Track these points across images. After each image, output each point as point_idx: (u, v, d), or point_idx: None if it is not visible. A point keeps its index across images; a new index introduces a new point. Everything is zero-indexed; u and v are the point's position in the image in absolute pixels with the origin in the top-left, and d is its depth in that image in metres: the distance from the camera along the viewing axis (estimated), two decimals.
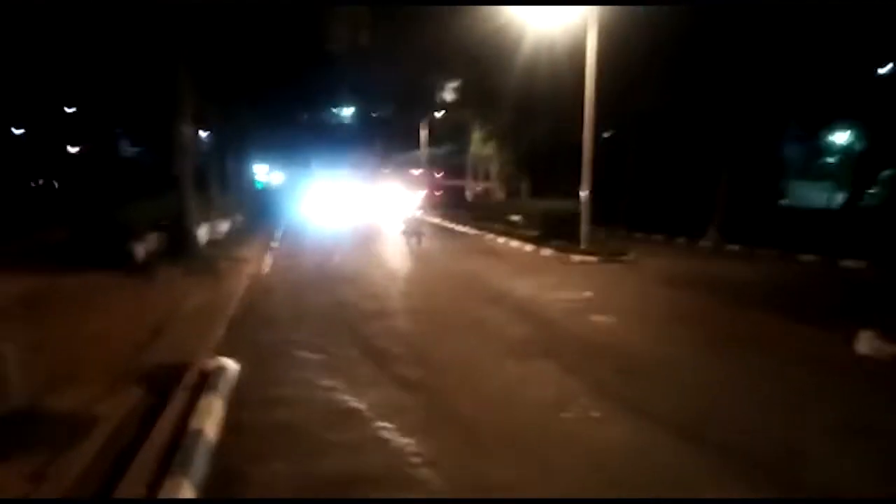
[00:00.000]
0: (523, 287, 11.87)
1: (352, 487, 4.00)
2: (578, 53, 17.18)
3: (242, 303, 9.96)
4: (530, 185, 33.19)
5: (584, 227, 17.19)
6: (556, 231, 19.20)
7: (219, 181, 20.40)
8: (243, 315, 9.08)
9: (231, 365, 6.08)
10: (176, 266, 12.26)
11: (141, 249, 12.83)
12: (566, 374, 6.44)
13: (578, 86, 16.93)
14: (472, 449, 4.60)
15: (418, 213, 21.69)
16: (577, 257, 16.27)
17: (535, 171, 33.01)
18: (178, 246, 13.57)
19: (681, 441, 4.82)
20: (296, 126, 44.12)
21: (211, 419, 4.73)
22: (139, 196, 15.13)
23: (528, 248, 18.91)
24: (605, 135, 28.94)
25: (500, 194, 35.91)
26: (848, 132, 26.04)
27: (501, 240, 21.70)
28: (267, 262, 14.61)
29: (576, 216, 17.63)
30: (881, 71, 20.34)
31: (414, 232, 19.93)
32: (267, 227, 24.72)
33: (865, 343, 7.40)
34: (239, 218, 25.54)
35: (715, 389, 6.08)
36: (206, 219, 17.97)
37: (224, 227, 20.87)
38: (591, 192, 17.06)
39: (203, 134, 19.94)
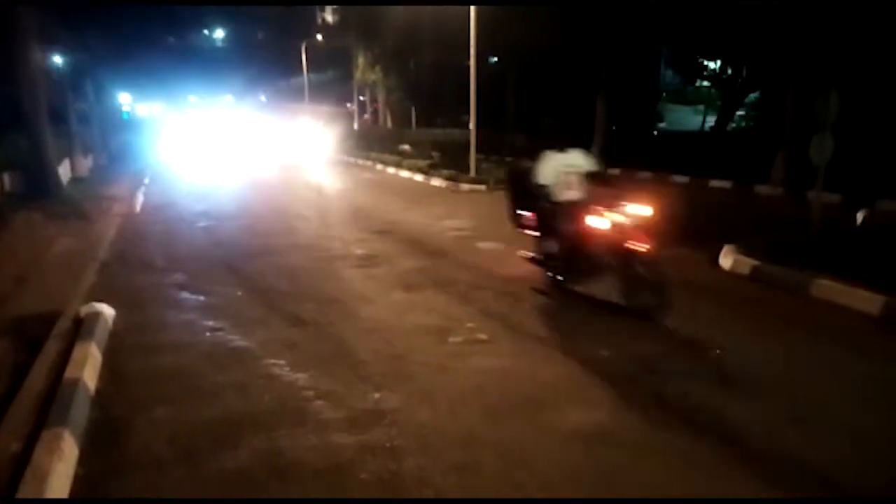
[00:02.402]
0: (413, 218, 11.92)
1: (243, 426, 3.96)
2: None
3: (114, 245, 9.40)
4: (419, 113, 32.88)
5: (473, 156, 17.34)
6: (445, 160, 19.27)
7: (78, 113, 18.74)
8: (116, 258, 8.59)
9: (106, 310, 5.77)
10: (36, 209, 11.30)
11: None
12: (454, 302, 6.60)
13: (461, 11, 16.69)
14: (363, 379, 4.66)
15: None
16: (466, 186, 16.45)
17: (424, 99, 32.67)
18: (37, 187, 12.47)
19: (553, 355, 5.14)
20: (163, 50, 40.93)
21: (88, 368, 4.50)
22: None
23: (419, 178, 18.90)
24: (491, 60, 28.95)
25: (388, 122, 35.39)
26: (718, 58, 27.44)
27: (391, 170, 21.55)
28: (139, 201, 13.77)
29: (465, 145, 17.72)
30: None
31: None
32: (137, 163, 23.19)
33: (728, 259, 8.05)
34: (104, 153, 23.79)
35: (586, 308, 6.42)
36: (67, 155, 16.58)
37: (88, 163, 19.36)
38: (478, 120, 17.13)
39: (58, 61, 18.06)
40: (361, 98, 40.39)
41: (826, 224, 8.18)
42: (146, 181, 17.41)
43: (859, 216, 7.78)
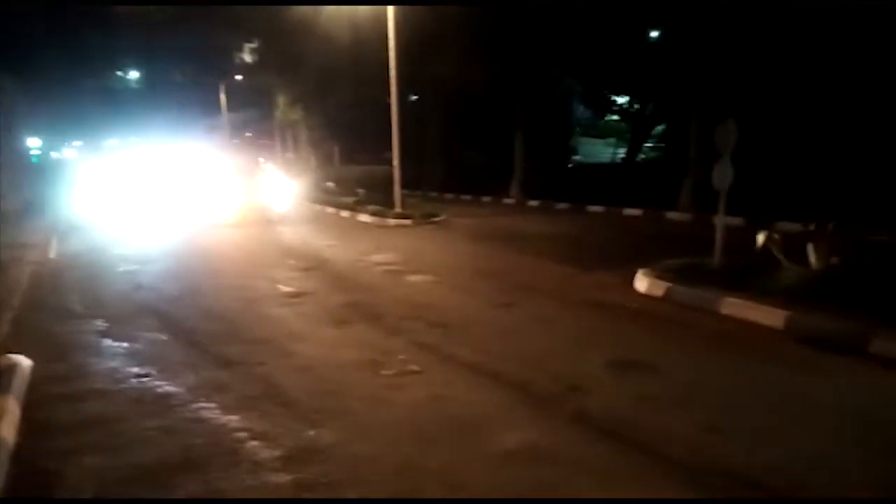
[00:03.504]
0: (341, 254, 11.96)
1: (176, 470, 3.91)
2: (379, 17, 17.24)
3: (29, 293, 8.98)
4: (341, 150, 32.97)
5: (398, 191, 17.56)
6: (370, 196, 19.41)
7: None
8: (31, 306, 8.22)
9: (23, 361, 5.55)
10: None
11: None
12: (386, 335, 6.70)
13: (380, 50, 17.04)
14: (296, 418, 4.67)
15: None
16: (392, 221, 16.62)
17: (346, 136, 32.81)
18: None
19: (483, 382, 5.33)
20: (77, 92, 39.73)
21: (6, 421, 4.33)
22: None
23: (345, 214, 18.95)
24: (412, 98, 29.49)
25: (311, 160, 35.24)
26: (626, 93, 28.92)
27: (318, 207, 21.50)
28: (54, 247, 13.22)
29: (389, 181, 17.94)
30: (653, 34, 22.67)
31: None
32: (50, 209, 22.21)
33: (642, 282, 8.49)
34: (15, 199, 22.69)
35: (514, 334, 6.71)
36: None
37: None
38: (401, 156, 17.42)
39: None
40: (281, 137, 40.10)
41: (731, 245, 8.77)
42: (61, 228, 16.71)
43: (759, 237, 8.38)
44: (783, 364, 5.68)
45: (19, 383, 5.11)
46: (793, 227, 10.88)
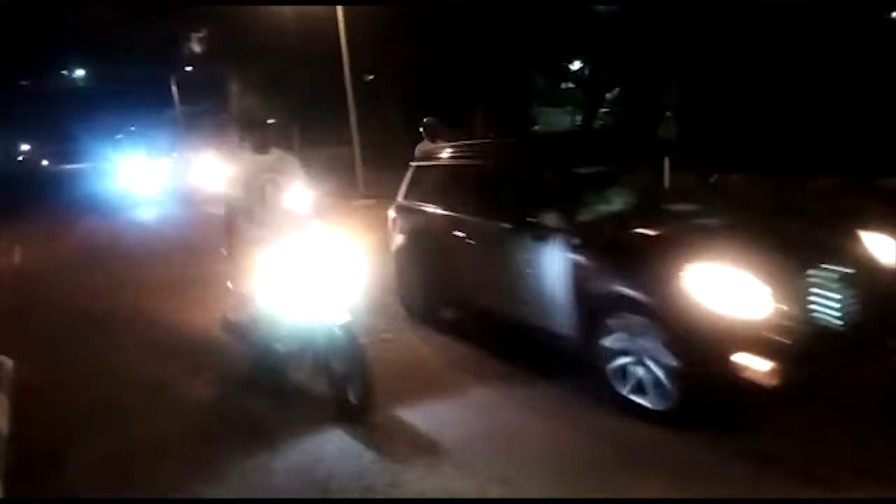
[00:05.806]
0: None
1: (172, 446, 4.15)
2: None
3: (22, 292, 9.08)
4: (301, 133, 32.71)
5: (360, 172, 17.69)
6: (333, 179, 19.46)
7: None
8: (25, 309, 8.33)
9: (5, 360, 5.67)
10: None
11: None
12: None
13: (333, 33, 17.00)
14: None
15: None
16: (358, 202, 16.71)
17: (305, 119, 32.52)
18: None
19: None
20: (21, 95, 38.77)
21: None
22: None
23: None
24: (368, 78, 29.31)
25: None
26: (579, 60, 29.07)
27: None
28: (16, 251, 13.07)
29: (351, 162, 18.07)
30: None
31: None
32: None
33: None
34: None
35: None
36: None
37: None
38: (361, 137, 17.54)
39: None
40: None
41: None
42: (18, 230, 16.43)
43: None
44: None
45: (6, 379, 5.25)
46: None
